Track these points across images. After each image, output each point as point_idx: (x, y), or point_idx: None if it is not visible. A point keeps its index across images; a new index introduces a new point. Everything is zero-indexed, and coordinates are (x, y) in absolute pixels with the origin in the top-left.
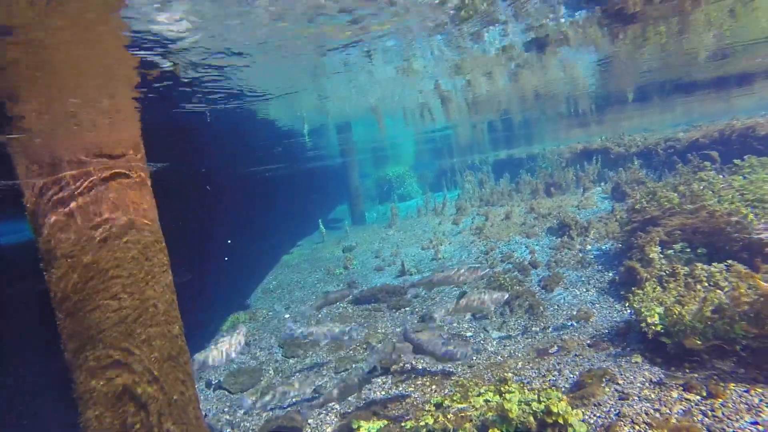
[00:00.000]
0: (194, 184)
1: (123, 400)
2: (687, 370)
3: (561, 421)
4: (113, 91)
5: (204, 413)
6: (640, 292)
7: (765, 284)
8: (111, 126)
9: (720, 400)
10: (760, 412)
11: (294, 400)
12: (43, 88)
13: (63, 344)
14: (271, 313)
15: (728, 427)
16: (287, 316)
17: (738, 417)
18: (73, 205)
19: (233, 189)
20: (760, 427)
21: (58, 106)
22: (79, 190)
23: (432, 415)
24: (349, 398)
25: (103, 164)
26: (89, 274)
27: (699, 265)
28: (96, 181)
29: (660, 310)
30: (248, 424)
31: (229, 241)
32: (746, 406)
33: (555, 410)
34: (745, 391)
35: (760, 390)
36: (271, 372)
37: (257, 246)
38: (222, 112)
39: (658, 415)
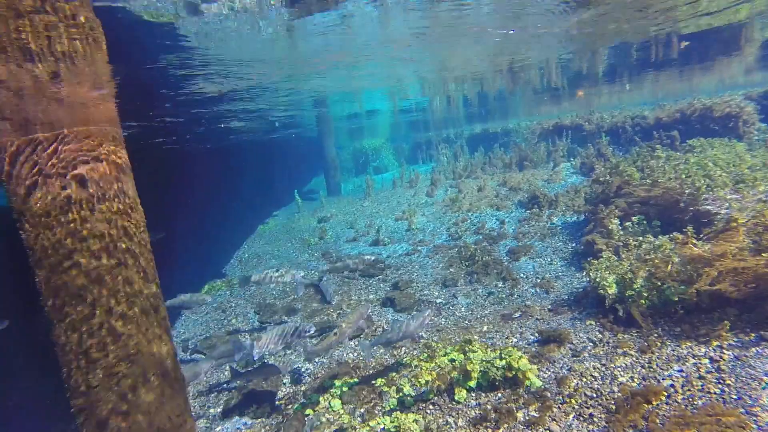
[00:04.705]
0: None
1: (103, 353)
2: (633, 331)
3: (520, 375)
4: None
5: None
6: (595, 262)
7: (696, 250)
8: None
9: (656, 354)
10: (686, 361)
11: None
12: None
13: (43, 301)
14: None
15: (658, 375)
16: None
17: (668, 366)
18: (49, 164)
19: (205, 156)
20: (684, 372)
21: None
22: (54, 149)
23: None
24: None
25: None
26: (66, 233)
27: (649, 237)
28: (71, 141)
29: (614, 280)
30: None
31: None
32: (676, 357)
33: (515, 366)
34: (677, 346)
35: (688, 344)
36: (247, 338)
37: (232, 215)
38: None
39: (603, 368)
